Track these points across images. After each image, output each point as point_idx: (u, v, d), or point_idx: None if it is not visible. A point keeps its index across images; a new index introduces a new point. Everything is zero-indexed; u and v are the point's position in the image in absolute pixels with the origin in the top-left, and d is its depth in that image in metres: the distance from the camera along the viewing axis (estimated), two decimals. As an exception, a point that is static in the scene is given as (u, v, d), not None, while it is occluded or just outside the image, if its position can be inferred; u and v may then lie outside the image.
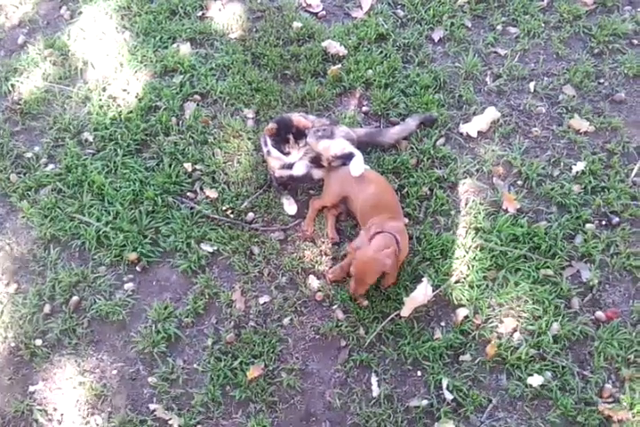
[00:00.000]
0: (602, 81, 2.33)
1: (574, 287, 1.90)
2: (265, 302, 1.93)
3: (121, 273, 2.02)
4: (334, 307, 1.90)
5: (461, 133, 2.22)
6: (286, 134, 1.91)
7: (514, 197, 2.04)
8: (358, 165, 1.91)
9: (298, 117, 1.96)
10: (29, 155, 2.29)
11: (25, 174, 2.25)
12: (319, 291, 1.93)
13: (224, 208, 2.11)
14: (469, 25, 2.50)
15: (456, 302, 1.88)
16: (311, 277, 1.96)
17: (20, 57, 2.54)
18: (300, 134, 1.92)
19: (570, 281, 1.92)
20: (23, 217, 2.15)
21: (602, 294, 1.90)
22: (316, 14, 2.59)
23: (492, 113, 2.23)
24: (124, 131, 2.29)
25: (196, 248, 2.03)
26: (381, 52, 2.43)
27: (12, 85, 2.46)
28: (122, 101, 2.38)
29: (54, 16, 2.68)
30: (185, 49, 2.49)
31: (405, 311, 1.79)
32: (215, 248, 2.03)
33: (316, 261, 1.99)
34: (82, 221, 2.11)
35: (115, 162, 2.22)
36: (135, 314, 1.95)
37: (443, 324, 1.85)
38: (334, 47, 2.42)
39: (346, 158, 1.94)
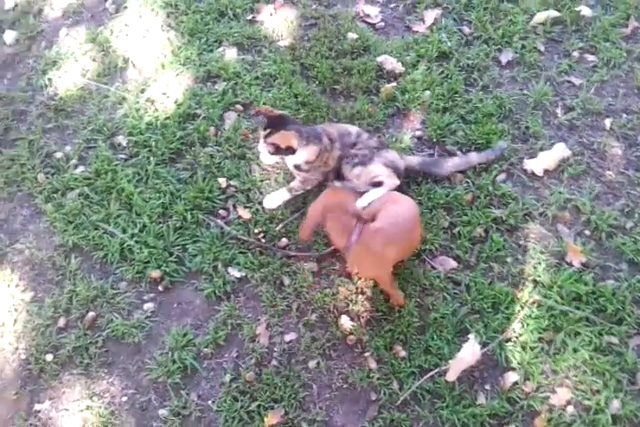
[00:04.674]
0: (688, 122, 2.09)
1: (641, 360, 1.69)
2: (291, 340, 1.78)
3: (142, 291, 1.90)
4: (367, 354, 1.73)
5: (525, 170, 2.01)
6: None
7: (580, 249, 1.83)
8: (366, 199, 1.81)
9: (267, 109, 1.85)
10: (59, 155, 2.19)
11: (53, 175, 2.15)
12: (351, 334, 1.76)
13: (256, 231, 1.96)
14: (542, 49, 2.28)
15: (505, 365, 1.68)
16: (344, 317, 1.79)
17: (60, 50, 2.44)
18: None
19: (636, 352, 1.70)
20: (47, 221, 2.06)
21: (672, 369, 1.68)
22: (373, 25, 2.41)
23: (561, 150, 2.01)
24: (160, 138, 2.16)
25: (223, 272, 1.89)
26: (442, 71, 2.23)
27: (49, 80, 2.37)
28: (160, 106, 2.26)
29: (99, 9, 2.58)
30: (231, 54, 2.35)
31: (451, 375, 1.61)
32: (243, 274, 1.89)
33: (351, 300, 1.82)
34: (106, 230, 2.00)
35: (146, 170, 2.10)
36: (152, 338, 1.83)
37: (488, 387, 1.66)
38: (390, 63, 2.24)
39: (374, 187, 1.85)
